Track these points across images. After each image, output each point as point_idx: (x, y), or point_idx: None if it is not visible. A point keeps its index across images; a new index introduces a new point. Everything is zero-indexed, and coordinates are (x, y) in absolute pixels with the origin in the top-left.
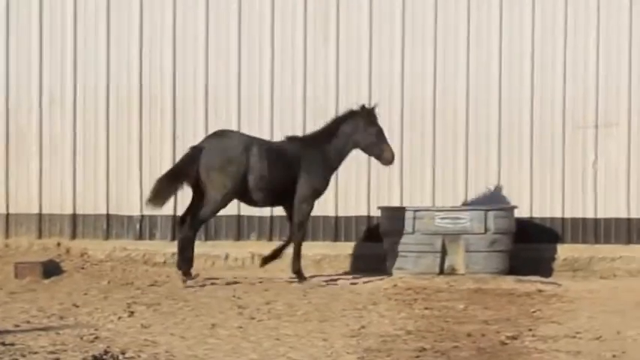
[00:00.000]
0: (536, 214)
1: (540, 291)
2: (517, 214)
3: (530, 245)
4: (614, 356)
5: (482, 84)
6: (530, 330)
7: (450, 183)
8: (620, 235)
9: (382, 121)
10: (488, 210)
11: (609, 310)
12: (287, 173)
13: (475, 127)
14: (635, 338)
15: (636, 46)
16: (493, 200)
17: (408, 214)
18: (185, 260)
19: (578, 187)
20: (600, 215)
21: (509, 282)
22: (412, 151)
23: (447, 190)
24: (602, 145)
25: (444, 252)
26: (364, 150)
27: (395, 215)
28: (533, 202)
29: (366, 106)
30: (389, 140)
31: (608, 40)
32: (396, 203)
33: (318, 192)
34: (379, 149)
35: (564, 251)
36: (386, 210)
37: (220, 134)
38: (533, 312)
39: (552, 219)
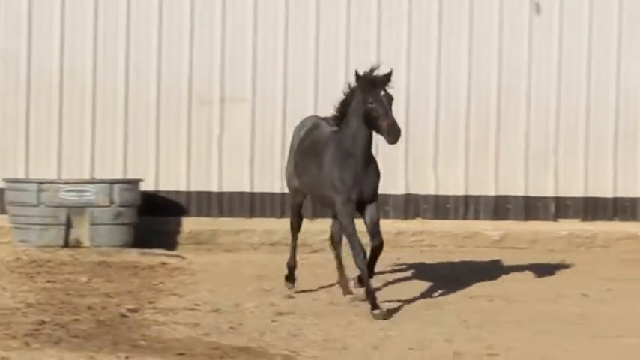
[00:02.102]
0: (161, 188)
1: (164, 264)
2: (143, 187)
3: (155, 218)
4: (231, 327)
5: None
6: (151, 302)
7: (77, 156)
8: (243, 209)
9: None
10: (113, 183)
11: (230, 282)
12: (312, 169)
13: (102, 101)
14: (252, 310)
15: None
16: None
17: (33, 187)
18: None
19: (203, 161)
20: (225, 189)
21: (133, 255)
22: (38, 123)
23: (74, 163)
24: (228, 119)
25: (69, 225)
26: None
27: (19, 187)
28: (159, 176)
29: (364, 71)
30: None
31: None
32: (21, 175)
33: (338, 192)
34: (377, 124)
35: (189, 224)
36: (11, 181)
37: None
38: (156, 284)
39: (177, 192)
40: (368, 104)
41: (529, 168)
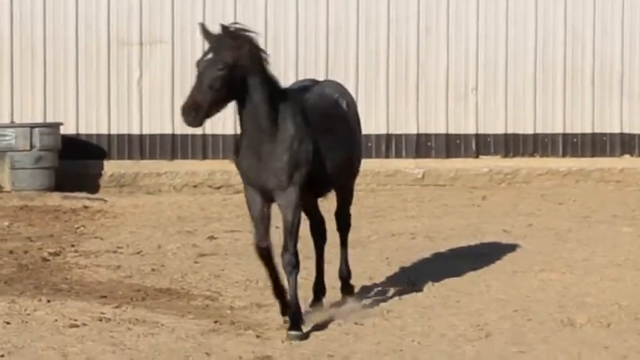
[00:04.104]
0: (82, 131)
1: (86, 207)
2: (63, 130)
3: (77, 162)
4: (153, 270)
5: None
6: (73, 246)
7: None
8: (164, 151)
9: None
10: (33, 127)
11: (152, 224)
12: None
13: (19, 44)
14: (174, 252)
15: None
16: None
17: None
18: None
19: (124, 104)
20: (145, 131)
21: (55, 199)
22: None
23: None
24: (147, 61)
25: None
26: None
27: None
28: (79, 119)
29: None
30: None
31: None
32: None
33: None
34: None
35: (111, 167)
36: None
37: None
38: (78, 228)
39: (98, 135)
40: None
41: (450, 105)
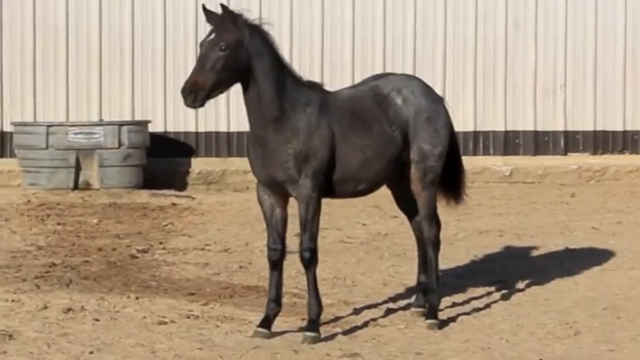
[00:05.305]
0: (170, 129)
1: (174, 205)
2: (151, 128)
3: (164, 159)
4: (240, 267)
5: None
6: (161, 243)
7: (85, 98)
8: None
9: None
10: (121, 124)
11: (239, 222)
12: None
13: (108, 43)
14: (261, 249)
15: None
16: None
17: (41, 130)
18: None
19: (211, 101)
20: (233, 129)
21: (143, 196)
22: (45, 66)
23: (82, 105)
24: None
25: (78, 167)
26: None
27: (28, 130)
28: (167, 117)
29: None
30: None
31: None
32: (29, 118)
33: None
34: None
35: (198, 165)
36: (19, 125)
37: None
38: (165, 225)
39: (186, 133)
40: None
41: (538, 102)
